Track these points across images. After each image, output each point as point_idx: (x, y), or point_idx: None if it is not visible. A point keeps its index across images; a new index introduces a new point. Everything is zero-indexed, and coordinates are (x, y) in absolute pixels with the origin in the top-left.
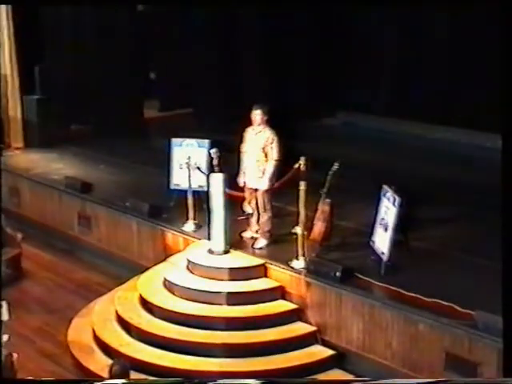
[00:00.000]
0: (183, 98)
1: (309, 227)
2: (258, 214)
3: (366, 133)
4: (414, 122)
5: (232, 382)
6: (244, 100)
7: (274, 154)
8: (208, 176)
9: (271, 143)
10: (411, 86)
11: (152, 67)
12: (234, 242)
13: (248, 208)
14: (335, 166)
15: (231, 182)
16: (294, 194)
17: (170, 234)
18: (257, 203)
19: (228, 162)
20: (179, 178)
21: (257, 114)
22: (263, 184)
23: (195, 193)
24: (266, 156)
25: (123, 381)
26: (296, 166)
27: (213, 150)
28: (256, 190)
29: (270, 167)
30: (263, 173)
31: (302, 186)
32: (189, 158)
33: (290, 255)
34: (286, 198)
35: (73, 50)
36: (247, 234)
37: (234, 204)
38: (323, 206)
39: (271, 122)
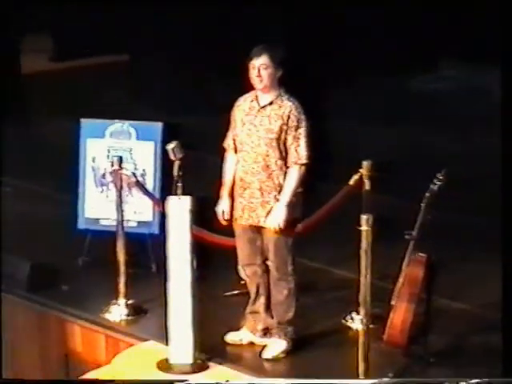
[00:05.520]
0: (105, 33)
1: (380, 314)
2: (268, 287)
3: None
4: None
5: (234, 383)
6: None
7: (300, 151)
8: (161, 201)
9: (295, 128)
10: None
11: None
12: (217, 345)
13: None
14: (438, 182)
15: (207, 214)
16: (345, 241)
17: (76, 328)
18: (264, 262)
19: (201, 171)
20: (98, 206)
21: (260, 66)
22: (276, 218)
23: (132, 238)
24: (281, 156)
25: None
26: (352, 180)
27: (171, 146)
28: (260, 230)
29: (293, 179)
30: (277, 193)
31: (365, 223)
32: (119, 161)
33: (340, 376)
34: (324, 250)
35: None
36: (244, 332)
37: (216, 259)
38: (412, 268)
39: (290, 86)
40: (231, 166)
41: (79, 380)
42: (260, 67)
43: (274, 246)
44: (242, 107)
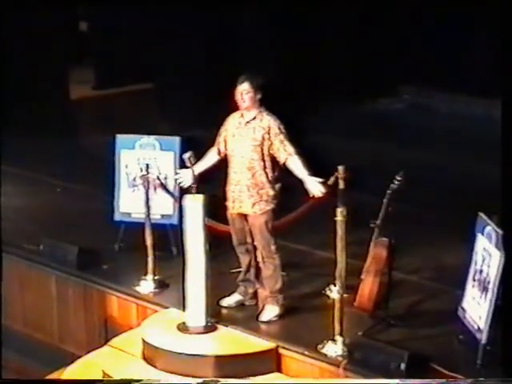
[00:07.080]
0: (134, 67)
1: (352, 286)
2: (257, 263)
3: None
4: None
5: (231, 382)
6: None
7: (288, 149)
8: (179, 199)
9: (277, 134)
10: None
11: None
12: (224, 311)
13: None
14: (397, 181)
15: (218, 208)
16: (325, 229)
17: (114, 299)
18: (252, 243)
19: (213, 173)
20: (130, 203)
21: (242, 91)
22: (315, 187)
23: (157, 227)
24: (262, 158)
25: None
26: (330, 180)
27: (187, 155)
28: (246, 217)
29: (298, 163)
30: (259, 188)
31: (340, 214)
32: (146, 167)
33: (320, 334)
34: (309, 236)
35: None
36: (235, 297)
37: (224, 245)
38: (376, 250)
39: (271, 107)
40: (209, 159)
41: (77, 380)
42: (242, 92)
43: (257, 230)
44: (232, 122)
